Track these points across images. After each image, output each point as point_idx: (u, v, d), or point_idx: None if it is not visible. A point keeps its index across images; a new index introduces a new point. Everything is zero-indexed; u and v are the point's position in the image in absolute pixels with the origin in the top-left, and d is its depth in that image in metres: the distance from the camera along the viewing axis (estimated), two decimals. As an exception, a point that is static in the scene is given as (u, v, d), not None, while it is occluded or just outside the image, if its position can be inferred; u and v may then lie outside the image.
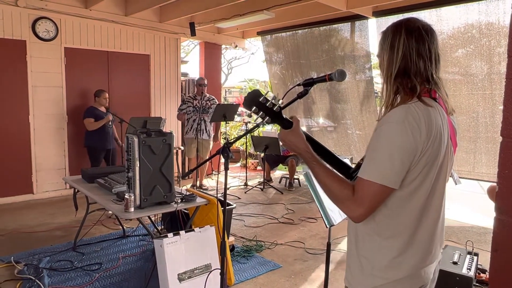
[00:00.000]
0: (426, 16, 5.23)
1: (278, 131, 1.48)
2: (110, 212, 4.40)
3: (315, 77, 1.42)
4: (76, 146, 6.08)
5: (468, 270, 2.76)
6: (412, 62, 1.21)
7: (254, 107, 1.35)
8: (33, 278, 3.22)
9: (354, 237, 1.31)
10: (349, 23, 6.26)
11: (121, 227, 4.38)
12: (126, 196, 2.80)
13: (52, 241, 4.15)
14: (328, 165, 1.29)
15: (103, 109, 5.66)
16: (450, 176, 2.06)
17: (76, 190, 3.93)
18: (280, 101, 1.39)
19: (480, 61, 5.04)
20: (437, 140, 1.17)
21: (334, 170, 1.29)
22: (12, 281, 3.25)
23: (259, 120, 1.41)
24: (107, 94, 5.69)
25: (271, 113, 1.35)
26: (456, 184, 3.50)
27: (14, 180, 5.57)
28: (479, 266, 3.18)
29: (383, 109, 1.24)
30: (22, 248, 3.91)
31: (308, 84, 1.42)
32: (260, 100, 1.34)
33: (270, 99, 1.36)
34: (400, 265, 1.22)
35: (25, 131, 5.63)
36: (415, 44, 1.21)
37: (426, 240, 1.25)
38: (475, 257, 3.00)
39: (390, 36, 1.25)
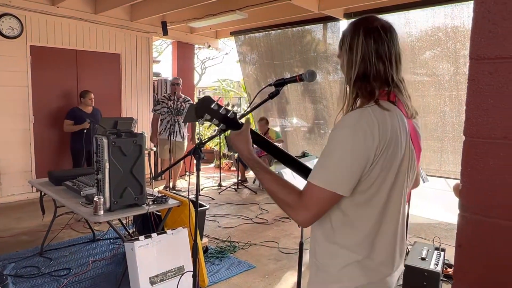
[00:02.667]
0: (395, 19, 5.36)
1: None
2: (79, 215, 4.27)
3: (287, 77, 1.42)
4: (43, 148, 5.88)
5: (436, 266, 2.85)
6: (372, 64, 1.16)
7: (206, 114, 1.30)
8: (-3, 285, 3.09)
9: (314, 242, 1.27)
10: (321, 24, 6.35)
11: (91, 231, 4.27)
12: (95, 199, 2.73)
13: (18, 246, 3.98)
14: (272, 171, 1.25)
15: (89, 109, 5.69)
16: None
17: (42, 193, 3.79)
18: (235, 108, 1.37)
19: (446, 62, 5.21)
20: (393, 145, 1.12)
21: (279, 175, 1.25)
22: (-26, 290, 3.10)
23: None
24: (92, 95, 5.70)
25: (226, 119, 1.31)
26: (424, 182, 3.60)
27: (-24, 184, 5.33)
28: (446, 261, 3.29)
29: (340, 114, 1.20)
30: (-15, 254, 3.75)
31: (280, 84, 1.42)
32: (212, 106, 1.30)
33: (223, 106, 1.31)
34: (355, 273, 1.18)
35: (-12, 132, 5.40)
36: (374, 45, 1.16)
37: (385, 248, 1.21)
38: (442, 253, 3.10)
39: (349, 37, 1.20)
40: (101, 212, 2.74)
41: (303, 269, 2.58)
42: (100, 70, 6.51)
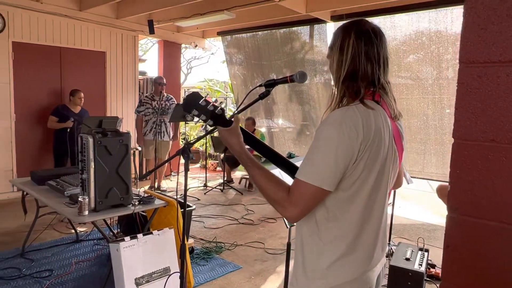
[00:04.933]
0: (380, 22, 5.44)
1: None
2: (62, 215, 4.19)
3: (276, 78, 1.43)
4: (25, 147, 5.75)
5: (420, 266, 2.89)
6: (361, 65, 1.20)
7: (194, 110, 1.31)
8: (-24, 287, 3.01)
9: (300, 240, 1.29)
10: (308, 26, 6.39)
11: (74, 231, 4.19)
12: (80, 199, 2.68)
13: (-2, 247, 3.89)
14: (263, 166, 1.27)
15: (78, 108, 5.62)
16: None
17: (24, 193, 3.71)
18: (223, 104, 1.37)
19: (430, 66, 5.31)
20: (376, 143, 1.16)
21: (272, 172, 1.26)
22: (-48, 292, 3.02)
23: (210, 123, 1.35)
24: (82, 94, 5.63)
25: (213, 115, 1.32)
26: (408, 183, 3.66)
27: (-46, 183, 5.17)
28: (429, 262, 3.35)
29: (327, 113, 1.23)
30: (-37, 256, 3.64)
31: (270, 85, 1.42)
32: (200, 102, 1.31)
33: (211, 102, 1.32)
34: (341, 269, 1.21)
35: (-33, 130, 5.25)
36: (364, 47, 1.20)
37: (368, 244, 1.24)
38: (426, 253, 3.15)
39: (340, 38, 1.24)
40: (86, 212, 2.69)
41: (290, 269, 2.58)
42: (85, 68, 6.40)
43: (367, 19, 1.30)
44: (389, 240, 3.98)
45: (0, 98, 5.48)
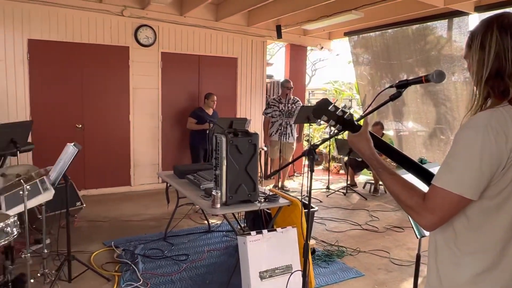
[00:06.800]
0: (540, 9, 4.64)
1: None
2: (197, 206, 4.65)
3: (407, 78, 1.36)
4: (168, 144, 6.55)
5: None
6: (507, 62, 1.08)
7: (323, 116, 1.34)
8: (130, 262, 3.54)
9: (434, 248, 1.22)
10: (446, 20, 5.82)
11: (206, 222, 4.61)
12: (213, 193, 2.94)
13: (146, 230, 4.51)
14: (395, 172, 1.22)
15: (210, 110, 6.19)
16: None
17: (168, 185, 4.22)
18: (352, 109, 1.37)
19: None
20: None
21: (405, 177, 1.21)
22: (112, 264, 3.61)
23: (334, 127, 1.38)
24: (215, 97, 6.19)
25: (342, 121, 1.33)
26: None
27: (116, 173, 6.19)
28: None
29: (468, 116, 1.14)
30: (120, 234, 4.32)
31: (402, 86, 1.36)
32: (329, 108, 1.34)
33: (339, 107, 1.34)
34: (483, 284, 1.10)
35: (126, 129, 6.21)
36: (511, 41, 1.08)
37: None
38: None
39: (480, 34, 1.12)
40: (218, 206, 2.94)
41: (419, 282, 2.40)
42: (219, 73, 6.98)
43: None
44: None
45: (151, 101, 6.36)
